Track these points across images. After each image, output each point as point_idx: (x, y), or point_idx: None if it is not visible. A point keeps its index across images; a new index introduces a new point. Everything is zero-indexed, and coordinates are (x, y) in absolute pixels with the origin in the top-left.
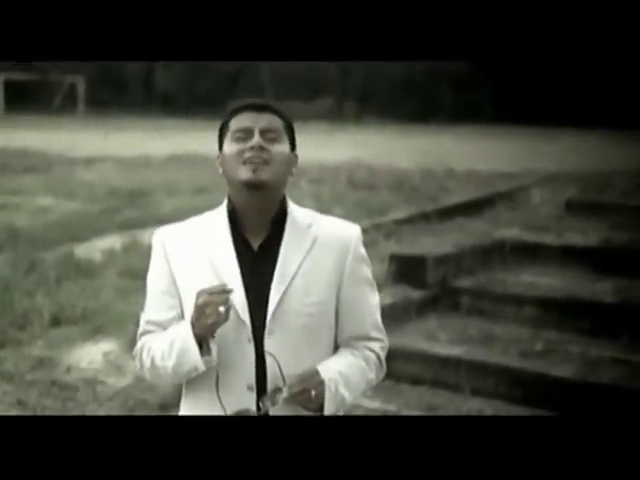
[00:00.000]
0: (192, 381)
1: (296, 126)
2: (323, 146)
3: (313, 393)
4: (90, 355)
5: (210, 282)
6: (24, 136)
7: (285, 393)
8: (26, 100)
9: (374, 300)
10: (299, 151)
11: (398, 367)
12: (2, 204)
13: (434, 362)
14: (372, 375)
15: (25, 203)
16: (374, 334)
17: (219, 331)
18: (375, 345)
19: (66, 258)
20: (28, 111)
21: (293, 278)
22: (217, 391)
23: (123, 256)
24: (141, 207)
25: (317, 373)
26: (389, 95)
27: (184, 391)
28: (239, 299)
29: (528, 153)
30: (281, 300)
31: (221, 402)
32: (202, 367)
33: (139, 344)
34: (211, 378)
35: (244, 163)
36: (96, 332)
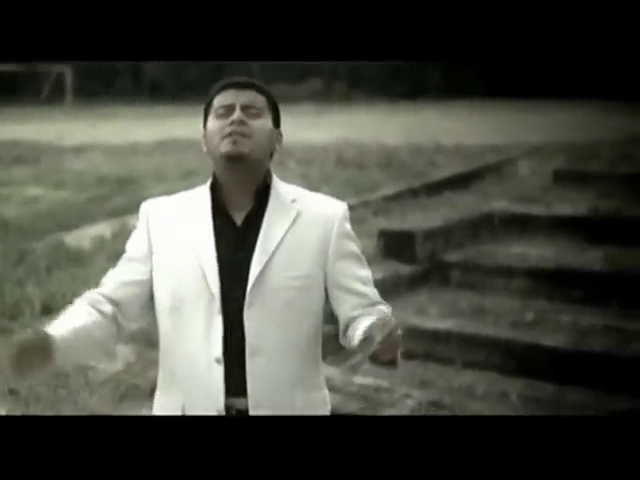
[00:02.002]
0: (162, 356)
1: (285, 108)
2: (312, 127)
3: (400, 332)
4: None
5: (186, 255)
6: (13, 127)
7: (378, 337)
8: (14, 91)
9: (366, 273)
10: (288, 133)
11: None
12: None
13: (425, 336)
14: None
15: (14, 194)
16: (378, 299)
17: (187, 303)
18: (384, 307)
19: (56, 247)
20: (16, 102)
21: (275, 251)
22: (183, 365)
23: (113, 243)
24: (130, 193)
25: (387, 315)
26: (377, 74)
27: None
28: (211, 272)
29: (515, 125)
30: (262, 273)
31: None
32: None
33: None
34: (179, 352)
35: (225, 137)
36: None
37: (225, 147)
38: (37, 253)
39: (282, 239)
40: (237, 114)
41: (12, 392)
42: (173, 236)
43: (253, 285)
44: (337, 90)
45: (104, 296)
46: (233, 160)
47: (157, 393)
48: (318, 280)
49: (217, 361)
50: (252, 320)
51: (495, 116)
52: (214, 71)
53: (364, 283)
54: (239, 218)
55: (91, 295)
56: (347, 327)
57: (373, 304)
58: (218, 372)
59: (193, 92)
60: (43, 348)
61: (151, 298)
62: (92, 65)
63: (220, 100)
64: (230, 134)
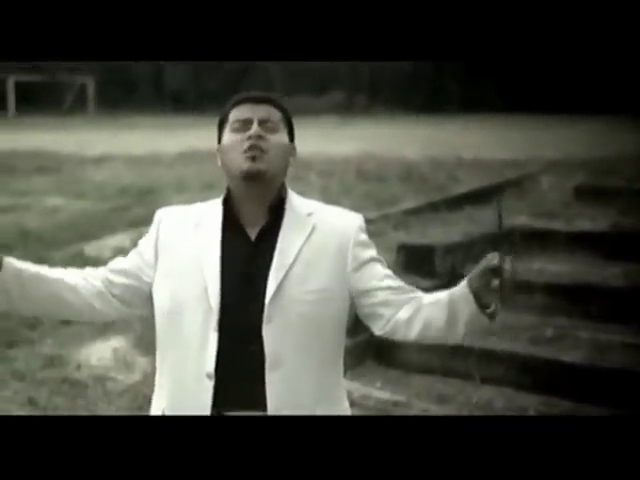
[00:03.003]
0: (158, 358)
1: (306, 120)
2: (332, 139)
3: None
4: (100, 352)
5: (191, 268)
6: (35, 137)
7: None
8: (37, 101)
9: (389, 271)
10: (309, 145)
11: (408, 357)
12: (12, 205)
13: (444, 351)
14: None
15: (35, 203)
16: (413, 288)
17: (185, 311)
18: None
19: (76, 257)
20: (39, 112)
21: (291, 266)
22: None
23: None
24: (150, 204)
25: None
26: (398, 87)
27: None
28: (213, 286)
29: (535, 140)
30: (279, 288)
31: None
32: None
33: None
34: (171, 358)
35: (242, 153)
36: (105, 329)
37: (244, 164)
38: (57, 263)
39: (298, 253)
40: (255, 128)
41: (31, 402)
42: (180, 245)
43: (271, 300)
44: (358, 102)
45: (101, 274)
46: (251, 177)
47: (154, 394)
48: (336, 293)
49: (208, 376)
50: (271, 335)
51: (516, 131)
52: (235, 82)
53: (394, 278)
54: (253, 232)
55: (92, 269)
56: (399, 323)
57: (412, 292)
58: (207, 387)
59: (214, 103)
60: None
61: (145, 297)
62: (114, 76)
63: (236, 114)
64: (248, 149)
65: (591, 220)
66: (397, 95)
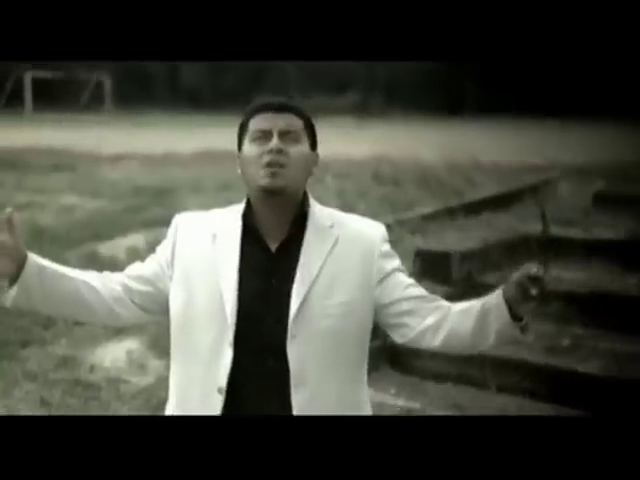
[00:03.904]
0: (171, 373)
1: (322, 121)
2: (349, 141)
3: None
4: (113, 354)
5: (207, 278)
6: (51, 134)
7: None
8: (53, 98)
9: (413, 280)
10: (324, 146)
11: (423, 364)
12: (27, 203)
13: (459, 359)
14: None
15: (50, 202)
16: (437, 296)
17: (198, 323)
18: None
19: (90, 257)
20: (55, 109)
21: (315, 279)
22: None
23: (147, 254)
24: (165, 205)
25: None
26: (415, 89)
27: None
28: (229, 300)
29: (555, 144)
30: (302, 304)
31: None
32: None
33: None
34: (182, 368)
35: (262, 167)
36: (119, 331)
37: (263, 180)
38: (71, 263)
39: (322, 267)
40: (275, 143)
41: (43, 403)
42: (197, 254)
43: (295, 315)
44: (374, 104)
45: (119, 279)
46: (270, 193)
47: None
48: (361, 305)
49: (219, 391)
50: (295, 352)
51: (535, 134)
52: (253, 81)
53: (417, 287)
54: (273, 244)
55: (110, 273)
56: (425, 331)
57: (436, 300)
58: (216, 402)
59: (231, 101)
60: (15, 249)
61: (164, 304)
62: (131, 73)
63: (256, 124)
64: (267, 165)
65: (610, 228)
66: (414, 97)
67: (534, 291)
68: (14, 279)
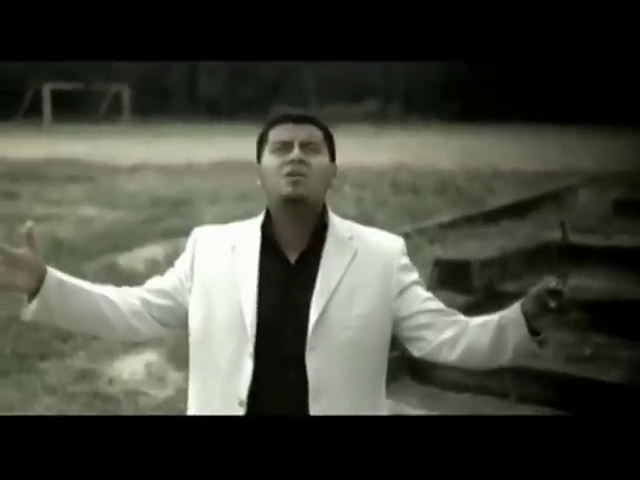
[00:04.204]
0: (190, 386)
1: (340, 129)
2: (367, 149)
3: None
4: (132, 366)
5: (226, 290)
6: (69, 145)
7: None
8: (72, 110)
9: (430, 294)
10: (342, 155)
11: (442, 374)
12: (45, 215)
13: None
14: None
15: (69, 213)
16: (454, 311)
17: (218, 337)
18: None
19: (109, 268)
20: (74, 120)
21: (335, 291)
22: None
23: (166, 265)
24: (184, 215)
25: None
26: (433, 96)
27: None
28: (249, 312)
29: (574, 151)
30: (322, 315)
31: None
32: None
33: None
34: (204, 389)
35: (284, 177)
36: (138, 343)
37: (285, 189)
38: (90, 274)
39: (341, 278)
40: (296, 153)
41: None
42: (216, 266)
43: (314, 327)
44: (392, 111)
45: (138, 293)
46: (292, 202)
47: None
48: (380, 317)
49: (240, 404)
50: (314, 363)
51: (554, 141)
52: (271, 90)
53: (435, 301)
54: (293, 256)
55: (129, 288)
56: (442, 345)
57: (454, 314)
58: (238, 414)
59: (249, 111)
60: (35, 263)
61: (183, 318)
62: (149, 84)
63: (276, 135)
64: (289, 174)
65: (631, 235)
66: (432, 104)
67: (553, 304)
68: (34, 293)
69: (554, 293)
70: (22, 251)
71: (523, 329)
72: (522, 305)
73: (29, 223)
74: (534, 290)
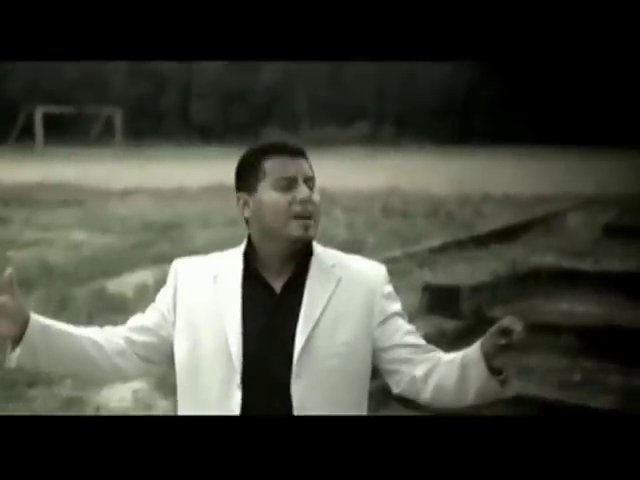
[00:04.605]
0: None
1: (332, 152)
2: (358, 172)
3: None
4: (119, 394)
5: (210, 321)
6: (61, 169)
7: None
8: (64, 133)
9: (412, 327)
10: (334, 178)
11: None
12: (36, 239)
13: None
14: None
15: (59, 238)
16: (431, 347)
17: (204, 367)
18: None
19: (98, 294)
20: (66, 144)
21: (319, 318)
22: None
23: (155, 291)
24: (174, 240)
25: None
26: (425, 119)
27: None
28: (234, 342)
29: (565, 175)
30: (307, 342)
31: None
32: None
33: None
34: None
35: (294, 218)
36: None
37: (296, 231)
38: (79, 300)
39: (325, 306)
40: (306, 193)
41: None
42: (198, 297)
43: (300, 355)
44: (384, 134)
45: (122, 332)
46: (299, 243)
47: None
48: (363, 344)
49: None
50: (300, 391)
51: (545, 164)
52: (263, 114)
53: (416, 335)
54: (277, 284)
55: (112, 327)
56: (414, 381)
57: (432, 351)
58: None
59: (241, 134)
60: (17, 310)
61: (168, 353)
62: (141, 108)
63: (277, 169)
64: (301, 217)
65: (620, 260)
66: (424, 126)
67: (503, 341)
68: (17, 340)
69: (505, 331)
70: (3, 299)
71: (483, 368)
72: (482, 344)
73: (9, 270)
74: (492, 328)
